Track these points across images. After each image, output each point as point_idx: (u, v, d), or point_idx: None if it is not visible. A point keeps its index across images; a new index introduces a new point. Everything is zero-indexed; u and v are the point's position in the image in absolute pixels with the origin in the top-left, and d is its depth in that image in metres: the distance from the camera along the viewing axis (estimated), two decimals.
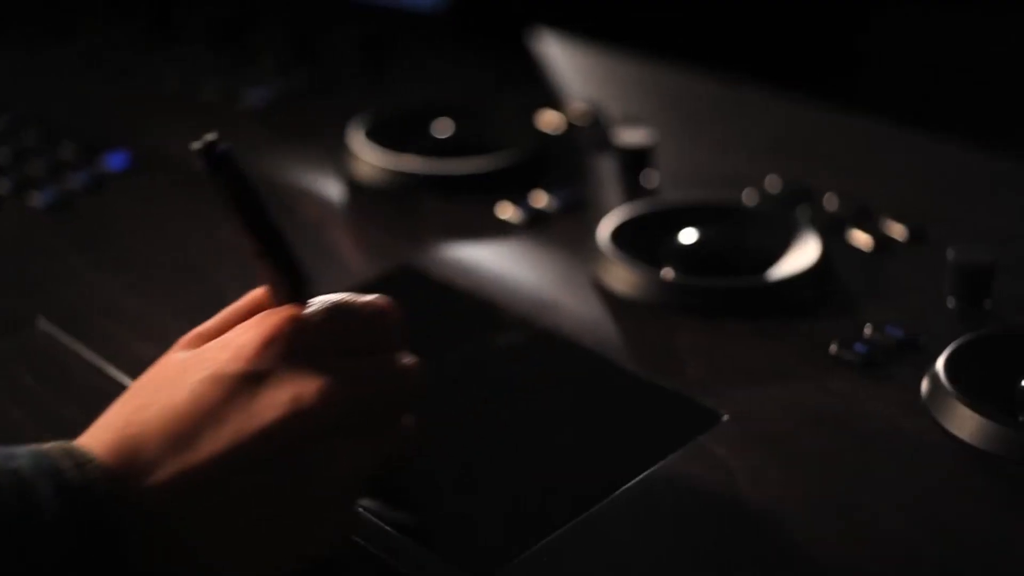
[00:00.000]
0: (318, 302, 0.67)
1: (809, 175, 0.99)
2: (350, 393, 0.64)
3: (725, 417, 0.76)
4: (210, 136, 0.64)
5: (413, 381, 0.68)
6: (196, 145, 0.64)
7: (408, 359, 0.68)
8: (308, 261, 0.90)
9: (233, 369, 0.63)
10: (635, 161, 1.00)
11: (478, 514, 0.71)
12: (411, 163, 1.01)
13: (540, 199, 0.98)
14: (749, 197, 0.97)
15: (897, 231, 0.92)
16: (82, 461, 0.61)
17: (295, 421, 0.63)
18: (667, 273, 0.88)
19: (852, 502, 0.70)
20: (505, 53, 1.22)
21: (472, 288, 0.88)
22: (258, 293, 0.69)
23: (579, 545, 0.68)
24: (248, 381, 0.63)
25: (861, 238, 0.92)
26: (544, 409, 0.78)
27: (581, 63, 1.20)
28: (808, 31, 1.57)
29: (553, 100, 1.12)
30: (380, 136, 1.04)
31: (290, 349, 0.64)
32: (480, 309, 0.86)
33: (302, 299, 0.67)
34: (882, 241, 0.91)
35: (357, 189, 1.01)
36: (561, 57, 1.20)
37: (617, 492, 0.71)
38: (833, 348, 0.81)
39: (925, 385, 0.77)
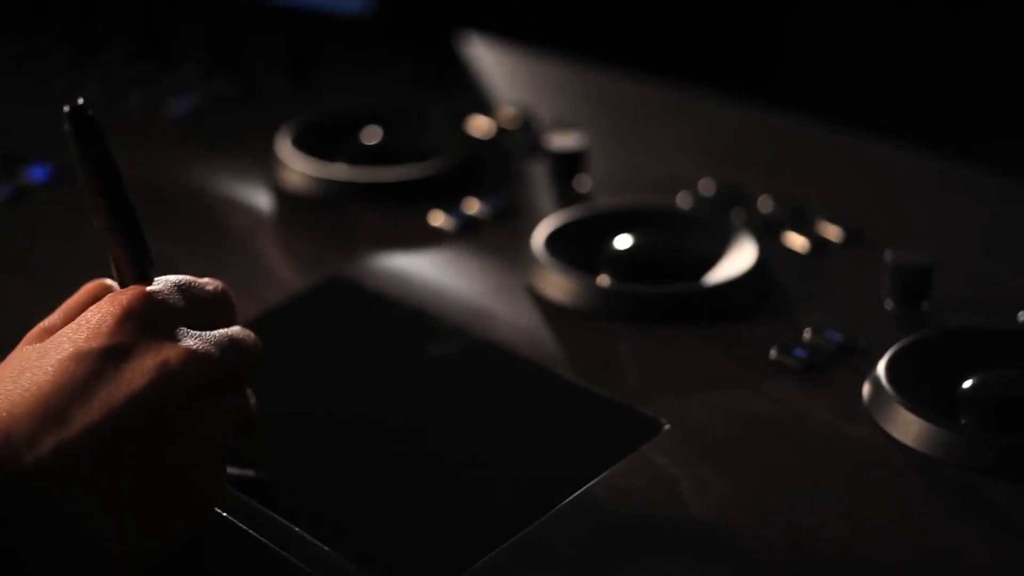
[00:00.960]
0: (163, 281, 0.69)
1: (743, 177, 0.98)
2: (210, 357, 0.66)
3: (667, 426, 0.75)
4: (80, 100, 0.67)
5: (258, 351, 0.70)
6: (67, 107, 0.67)
7: (248, 333, 0.70)
8: (237, 272, 0.88)
9: (95, 344, 0.65)
10: (567, 165, 0.99)
11: (416, 531, 0.69)
12: (340, 171, 1.00)
13: (472, 206, 0.96)
14: (684, 201, 0.96)
15: (833, 233, 0.92)
16: None
17: (163, 385, 0.64)
18: (603, 280, 0.87)
19: (798, 511, 0.69)
20: (434, 58, 1.21)
21: (405, 298, 0.87)
22: (93, 284, 0.72)
23: (522, 561, 0.67)
24: (111, 354, 0.64)
25: (797, 241, 0.91)
26: (482, 421, 0.76)
27: (510, 67, 1.19)
28: (737, 31, 1.57)
29: (483, 105, 1.11)
30: (308, 144, 1.03)
31: (146, 321, 0.66)
32: (414, 319, 0.85)
33: (148, 279, 0.69)
34: (818, 243, 0.91)
35: (286, 198, 0.99)
36: (490, 61, 1.19)
37: (559, 505, 0.70)
38: (773, 353, 0.80)
39: (866, 389, 0.77)
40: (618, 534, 0.69)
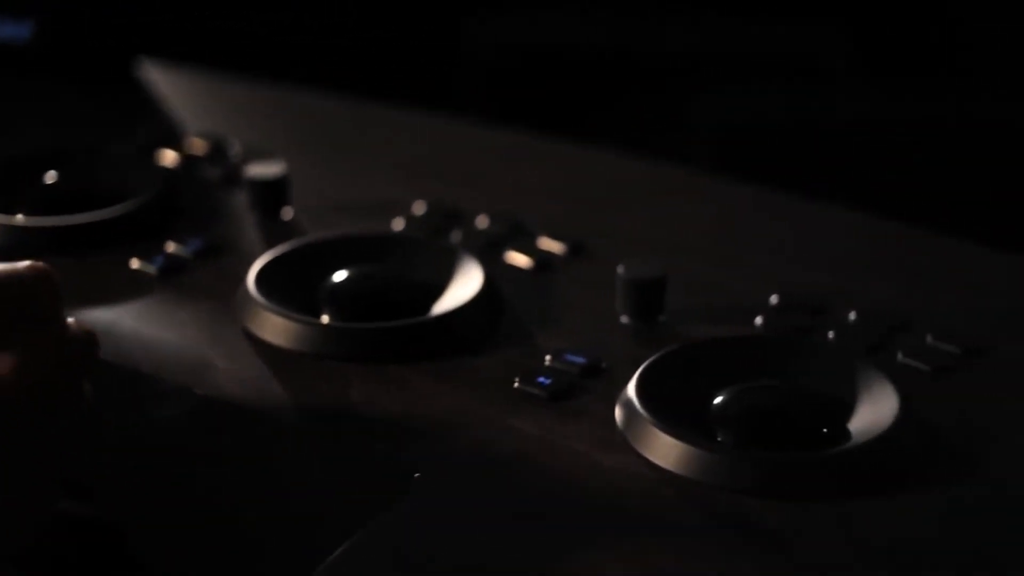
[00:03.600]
0: None
1: (457, 196, 0.94)
2: (35, 364, 0.62)
3: (417, 474, 0.71)
4: None
5: (88, 347, 0.66)
6: None
7: (76, 325, 0.65)
8: None
9: None
10: (269, 196, 0.94)
11: None
12: (21, 220, 0.92)
13: (172, 247, 0.90)
14: (399, 226, 0.91)
15: (556, 248, 0.89)
16: None
17: None
18: (324, 319, 0.82)
19: (568, 557, 0.66)
20: (109, 90, 1.13)
21: (114, 356, 0.80)
22: None
23: None
24: None
25: (520, 259, 0.88)
26: (221, 486, 0.71)
27: (196, 94, 1.12)
28: (411, 42, 1.54)
29: (171, 137, 1.04)
30: None
31: None
32: (128, 379, 0.78)
33: None
34: (542, 260, 0.88)
35: None
36: (174, 90, 1.12)
37: (323, 566, 0.65)
38: (516, 383, 0.77)
39: (619, 414, 0.74)
40: None
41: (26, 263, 0.66)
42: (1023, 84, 1.43)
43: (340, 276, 0.83)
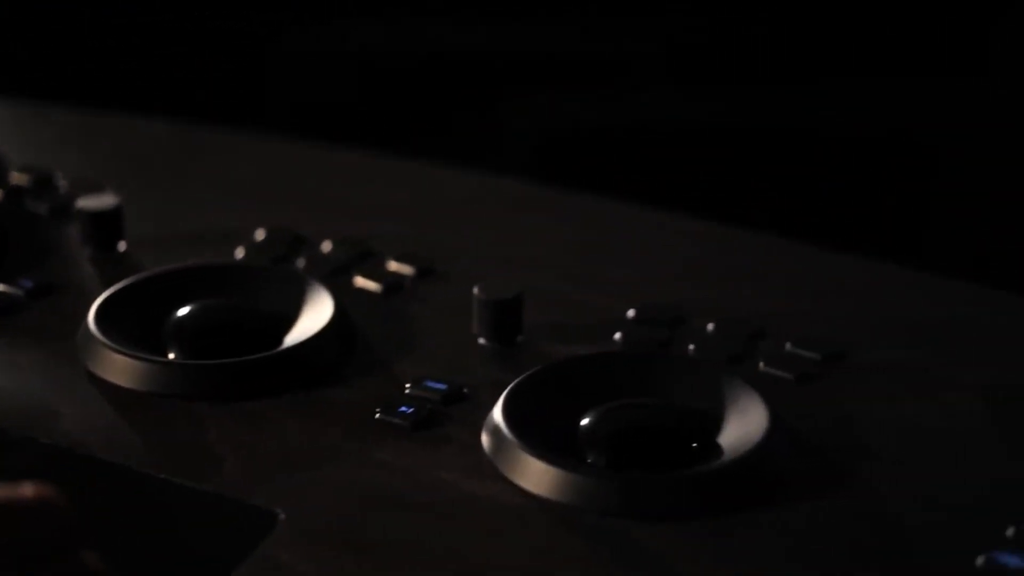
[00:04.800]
0: None
1: (298, 221, 0.91)
2: None
3: (281, 515, 0.68)
4: None
5: None
6: None
7: (92, 558, 0.57)
8: None
9: None
10: (103, 228, 0.90)
11: None
12: None
13: (2, 286, 0.86)
14: (240, 254, 0.88)
15: (405, 270, 0.86)
16: None
17: None
18: (171, 356, 0.78)
19: None
20: None
21: None
22: None
23: None
24: None
25: (369, 284, 0.86)
26: (71, 541, 0.67)
27: (14, 125, 1.07)
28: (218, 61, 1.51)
29: None
30: None
31: None
32: None
33: None
34: (392, 283, 0.85)
35: None
36: None
37: None
38: (377, 414, 0.74)
39: (485, 440, 0.72)
40: None
41: (29, 486, 0.57)
42: (836, 92, 1.44)
43: (185, 310, 0.80)
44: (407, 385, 0.76)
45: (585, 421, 0.72)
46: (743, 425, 0.71)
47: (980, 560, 0.64)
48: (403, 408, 0.74)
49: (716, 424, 0.72)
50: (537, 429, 0.71)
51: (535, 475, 0.69)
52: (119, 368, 0.77)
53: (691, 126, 1.48)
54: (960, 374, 0.77)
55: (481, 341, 0.80)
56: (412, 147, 1.06)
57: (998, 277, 0.86)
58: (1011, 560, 0.64)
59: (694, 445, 0.71)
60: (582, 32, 1.52)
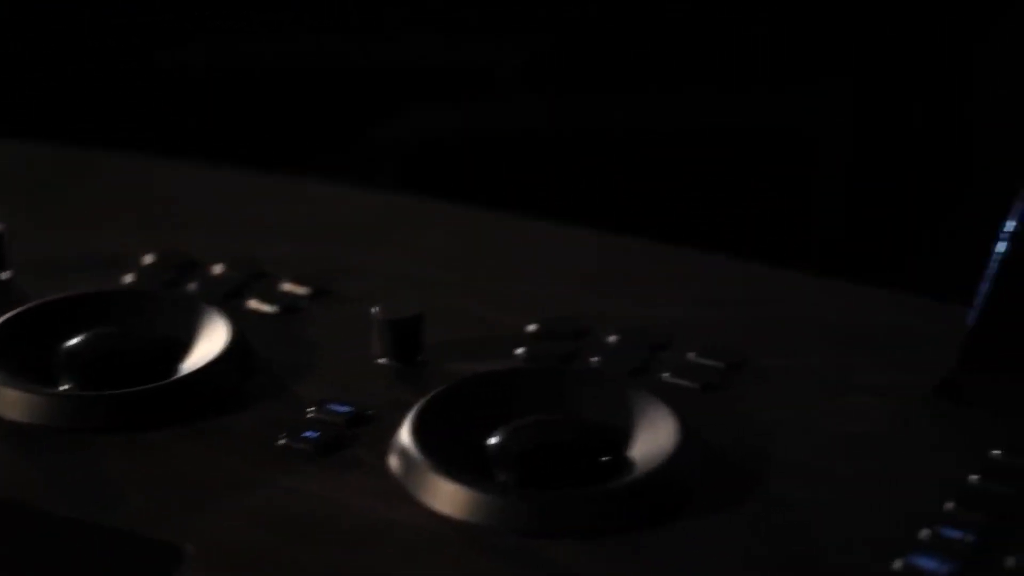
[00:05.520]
0: None
1: (187, 244, 0.89)
2: None
3: (190, 549, 0.66)
4: None
5: None
6: None
7: None
8: None
9: None
10: None
11: None
12: None
13: None
14: (129, 280, 0.86)
15: (300, 291, 0.85)
16: None
17: None
18: (66, 388, 0.76)
19: None
20: None
21: None
22: None
23: None
24: None
25: (264, 306, 0.84)
26: None
27: None
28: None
29: None
30: None
31: None
32: None
33: None
34: (287, 305, 0.84)
35: None
36: None
37: None
38: (281, 440, 0.73)
39: (394, 463, 0.71)
40: None
41: None
42: (706, 94, 1.45)
43: (77, 340, 0.78)
44: (309, 409, 0.75)
45: (494, 439, 0.71)
46: (653, 438, 0.71)
47: (898, 564, 0.65)
48: (307, 433, 0.73)
49: (626, 438, 0.72)
50: (446, 449, 0.70)
51: (446, 496, 0.68)
52: (9, 402, 0.75)
53: (561, 134, 1.48)
54: (860, 377, 0.78)
55: (382, 361, 0.79)
56: (280, 162, 1.04)
57: (890, 278, 0.87)
58: (928, 563, 0.64)
59: (605, 459, 0.71)
60: (446, 42, 1.51)
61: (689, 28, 1.45)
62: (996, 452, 0.71)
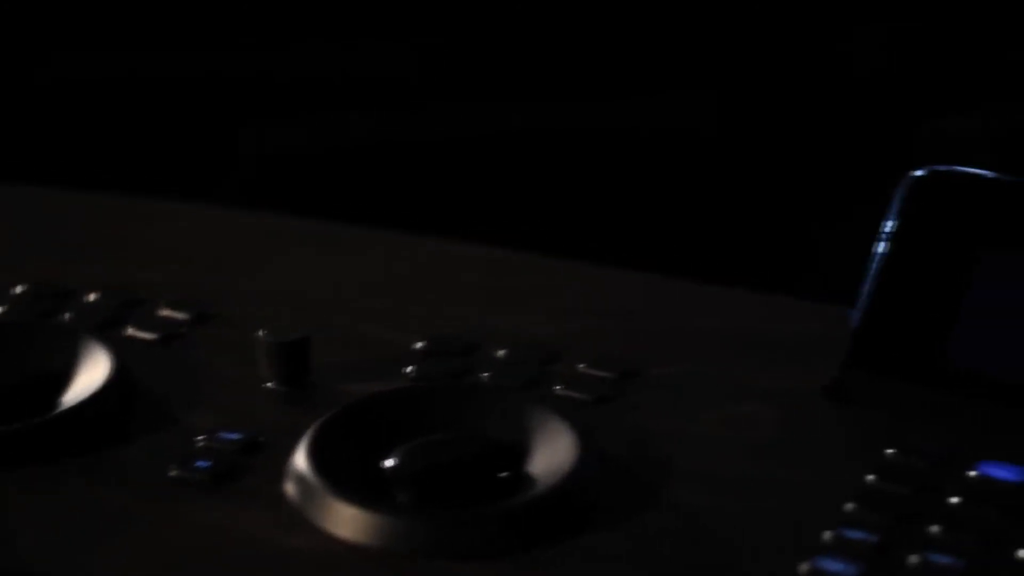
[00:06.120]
0: None
1: (60, 272, 0.87)
2: None
3: None
4: None
5: None
6: None
7: None
8: None
9: None
10: None
11: None
12: None
13: None
14: (3, 311, 0.84)
15: (179, 316, 0.83)
16: None
17: None
18: None
19: None
20: None
21: None
22: None
23: None
24: None
25: (143, 334, 0.82)
26: None
27: None
28: None
29: None
30: None
31: None
32: None
33: None
34: (168, 332, 0.82)
35: None
36: None
37: None
38: (174, 472, 0.71)
39: (290, 489, 0.69)
40: None
41: None
42: (585, 101, 1.45)
43: None
44: (199, 438, 0.73)
45: (390, 461, 0.70)
46: (552, 453, 0.70)
47: (804, 567, 0.65)
48: (199, 462, 0.71)
49: (524, 453, 0.71)
50: (343, 472, 0.69)
51: (344, 520, 0.67)
52: None
53: (436, 144, 1.47)
54: (752, 382, 0.78)
55: (269, 385, 0.77)
56: (147, 183, 1.02)
57: (774, 283, 0.87)
58: (834, 565, 0.64)
59: (503, 475, 0.70)
60: (322, 54, 1.50)
61: (543, 35, 1.45)
62: (890, 451, 0.71)
